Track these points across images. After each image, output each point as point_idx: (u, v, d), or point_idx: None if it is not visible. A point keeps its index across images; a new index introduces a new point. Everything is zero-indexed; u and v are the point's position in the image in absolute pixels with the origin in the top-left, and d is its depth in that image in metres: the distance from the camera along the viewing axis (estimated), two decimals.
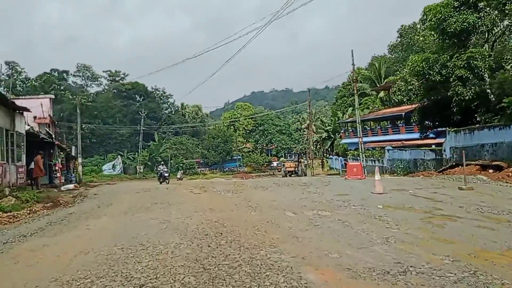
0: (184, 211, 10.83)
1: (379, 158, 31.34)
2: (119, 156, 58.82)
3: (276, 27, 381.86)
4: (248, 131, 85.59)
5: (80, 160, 31.24)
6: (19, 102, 35.82)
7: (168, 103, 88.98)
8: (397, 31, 57.35)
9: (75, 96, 68.78)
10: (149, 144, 65.04)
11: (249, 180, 33.64)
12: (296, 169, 48.93)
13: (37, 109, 37.98)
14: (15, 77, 70.02)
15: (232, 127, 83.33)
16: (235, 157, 72.05)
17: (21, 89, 64.46)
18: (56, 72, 74.71)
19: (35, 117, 37.79)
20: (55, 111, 62.58)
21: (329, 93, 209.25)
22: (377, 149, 32.98)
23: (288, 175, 48.66)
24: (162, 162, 33.12)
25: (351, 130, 42.61)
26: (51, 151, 25.23)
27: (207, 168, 67.99)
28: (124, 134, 73.53)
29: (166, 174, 30.42)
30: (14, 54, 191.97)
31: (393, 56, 61.31)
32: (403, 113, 35.37)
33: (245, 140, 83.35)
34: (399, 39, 57.35)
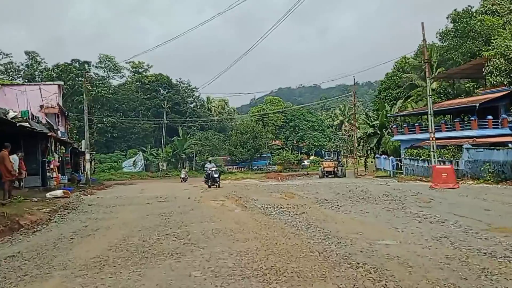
0: (218, 273, 4.99)
1: (453, 158, 24.85)
2: (140, 152, 53.89)
3: (304, 23, 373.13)
4: (277, 127, 79.54)
5: (88, 156, 26.04)
6: (20, 88, 31.08)
7: (193, 97, 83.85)
8: (447, 17, 50.35)
9: (95, 88, 64.66)
10: (173, 139, 60.03)
11: (287, 183, 27.82)
12: (336, 169, 42.77)
13: (46, 97, 33.18)
14: (34, 67, 66.20)
15: (260, 122, 77.43)
16: (264, 155, 66.21)
17: (39, 80, 60.42)
18: (77, 62, 70.53)
19: (41, 106, 33.01)
20: (74, 103, 58.36)
21: (360, 89, 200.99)
22: (449, 147, 26.43)
23: (326, 176, 42.61)
24: (210, 159, 26.39)
25: (405, 125, 36.10)
26: (47, 145, 19.96)
27: (234, 166, 62.46)
28: (147, 128, 68.80)
29: (216, 175, 22.84)
30: (44, 50, 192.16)
31: (444, 44, 54.18)
32: (477, 105, 28.69)
33: (274, 137, 77.35)
34: (451, 25, 50.30)
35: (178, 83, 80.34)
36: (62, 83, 35.06)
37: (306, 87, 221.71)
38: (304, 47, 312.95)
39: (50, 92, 33.22)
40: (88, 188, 23.79)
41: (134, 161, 52.03)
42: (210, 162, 25.39)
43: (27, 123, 18.10)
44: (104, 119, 62.93)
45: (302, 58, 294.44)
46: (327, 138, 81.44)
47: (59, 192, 15.25)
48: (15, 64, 68.17)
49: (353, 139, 46.90)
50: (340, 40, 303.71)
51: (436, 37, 56.07)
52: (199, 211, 11.13)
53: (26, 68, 65.37)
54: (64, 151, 24.16)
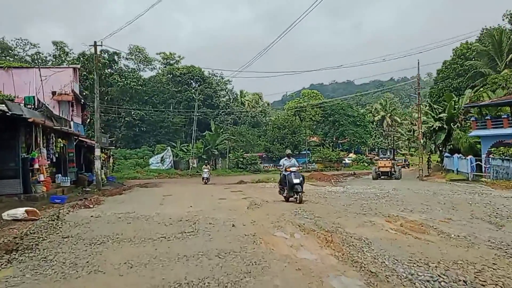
0: None
1: None
2: (168, 148, 48.16)
3: (339, 18, 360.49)
4: (316, 122, 72.51)
5: (98, 152, 20.10)
6: (24, 72, 25.69)
7: (226, 90, 77.94)
8: None
9: (124, 79, 59.68)
10: (204, 134, 54.21)
11: (347, 188, 21.15)
12: (392, 169, 35.64)
13: (58, 82, 27.79)
14: (62, 58, 61.77)
15: (297, 117, 70.59)
16: (303, 152, 59.39)
17: None
18: (106, 53, 65.89)
19: (53, 93, 27.62)
20: (100, 94, 53.30)
21: (395, 85, 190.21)
22: None
23: (380, 177, 35.56)
24: (289, 152, 15.65)
25: (488, 117, 28.56)
26: (35, 135, 14.07)
27: (271, 164, 55.94)
28: (178, 122, 63.34)
29: (297, 181, 13.24)
30: (80, 46, 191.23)
31: None
32: None
33: (311, 133, 70.39)
34: None
35: (210, 75, 74.63)
36: (78, 66, 29.50)
37: (339, 83, 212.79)
38: (338, 42, 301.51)
39: (63, 77, 27.83)
40: (96, 193, 17.93)
41: (162, 157, 46.36)
42: (288, 157, 14.80)
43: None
44: (132, 112, 57.85)
45: (335, 53, 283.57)
46: (369, 134, 73.74)
47: (20, 212, 9.19)
48: (41, 54, 64.35)
49: (415, 134, 39.65)
50: (375, 35, 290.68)
51: (503, 19, 47.85)
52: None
53: (54, 59, 61.12)
54: (65, 145, 18.41)
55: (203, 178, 28.54)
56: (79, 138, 20.43)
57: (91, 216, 10.49)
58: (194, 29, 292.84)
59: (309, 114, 72.31)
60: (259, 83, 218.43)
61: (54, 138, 15.95)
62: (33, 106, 17.27)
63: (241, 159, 51.54)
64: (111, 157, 28.74)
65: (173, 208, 12.06)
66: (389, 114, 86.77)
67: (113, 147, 30.85)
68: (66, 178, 17.82)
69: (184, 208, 11.90)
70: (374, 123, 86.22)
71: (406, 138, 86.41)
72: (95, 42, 22.04)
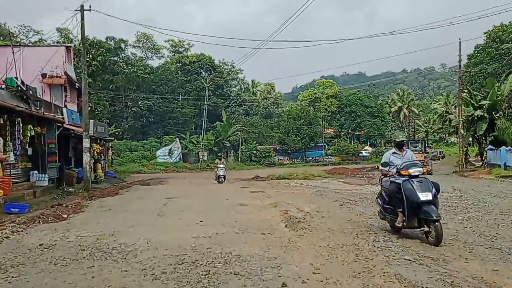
0: None
1: None
2: (177, 140, 43.97)
3: (351, 8, 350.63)
4: (331, 113, 67.98)
5: (86, 143, 15.96)
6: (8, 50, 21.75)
7: (238, 79, 73.61)
8: None
9: (130, 67, 55.61)
10: (215, 125, 50.09)
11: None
12: (425, 164, 31.21)
13: (50, 63, 23.76)
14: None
15: (311, 108, 66.05)
16: (320, 144, 54.99)
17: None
18: (113, 40, 61.83)
19: (43, 76, 23.63)
20: (105, 82, 49.43)
21: (408, 76, 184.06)
22: None
23: None
24: (402, 139, 7.97)
25: None
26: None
27: (286, 157, 51.70)
28: (188, 113, 59.28)
29: (427, 198, 6.29)
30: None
31: None
32: None
33: (326, 124, 65.86)
34: None
35: (221, 64, 70.30)
36: (72, 45, 25.41)
37: (350, 75, 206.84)
38: (350, 33, 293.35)
39: (56, 58, 23.77)
40: (81, 195, 13.86)
41: (170, 149, 42.21)
42: (400, 147, 7.79)
43: None
44: (139, 102, 53.88)
45: (347, 45, 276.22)
46: (386, 126, 68.99)
47: None
48: (45, 42, 60.54)
49: (453, 123, 35.22)
50: (387, 26, 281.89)
51: None
52: None
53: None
54: (43, 134, 14.32)
55: (218, 176, 21.21)
56: (63, 125, 16.32)
57: (40, 245, 6.38)
58: (206, 20, 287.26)
59: (324, 104, 67.86)
60: (270, 74, 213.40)
61: (20, 125, 11.87)
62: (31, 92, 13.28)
63: (254, 152, 47.35)
64: (110, 149, 24.69)
65: (174, 228, 7.89)
66: (406, 105, 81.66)
67: (113, 138, 26.83)
68: (43, 176, 13.78)
69: (191, 228, 7.74)
70: (391, 114, 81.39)
71: (424, 129, 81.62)
72: (81, 6, 17.85)
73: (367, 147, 64.95)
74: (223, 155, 29.27)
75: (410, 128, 78.63)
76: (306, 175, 23.05)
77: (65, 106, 23.49)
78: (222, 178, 21.14)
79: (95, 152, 20.06)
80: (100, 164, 23.23)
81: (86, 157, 15.37)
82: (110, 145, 24.73)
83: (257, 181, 22.76)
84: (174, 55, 69.41)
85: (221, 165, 21.55)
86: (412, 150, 28.18)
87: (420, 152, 31.85)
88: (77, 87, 24.56)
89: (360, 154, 58.65)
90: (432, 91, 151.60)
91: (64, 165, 17.80)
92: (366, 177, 24.98)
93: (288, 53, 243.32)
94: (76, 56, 50.19)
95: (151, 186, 19.52)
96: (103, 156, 24.59)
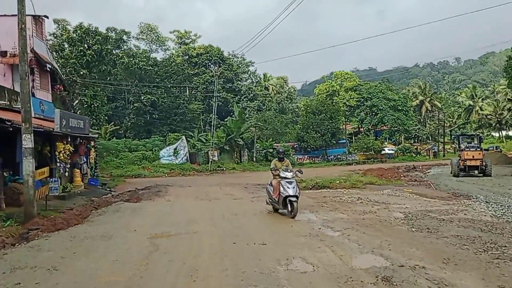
0: None
1: None
2: (183, 137, 37.52)
3: (362, 3, 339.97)
4: (350, 108, 61.47)
5: (28, 142, 9.83)
6: None
7: (249, 73, 67.41)
8: None
9: (131, 59, 49.62)
10: (226, 121, 43.95)
11: (479, 197, 10.67)
12: (483, 163, 24.82)
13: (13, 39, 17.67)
14: (64, 37, 51.86)
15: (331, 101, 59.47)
16: (342, 141, 48.57)
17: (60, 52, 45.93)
18: (114, 32, 55.88)
19: (3, 54, 17.76)
20: (101, 74, 43.42)
21: (421, 71, 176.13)
22: None
23: (462, 172, 24.91)
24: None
25: None
26: None
27: (305, 156, 45.39)
28: (196, 109, 53.19)
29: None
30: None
31: None
32: None
33: (344, 120, 59.32)
34: None
35: (231, 56, 64.09)
36: (46, 17, 19.27)
37: (360, 71, 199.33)
38: (361, 29, 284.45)
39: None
40: (8, 227, 7.74)
41: (175, 149, 35.90)
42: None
43: None
44: (142, 97, 47.85)
45: (358, 40, 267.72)
46: (412, 120, 62.18)
47: None
48: None
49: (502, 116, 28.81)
50: (398, 21, 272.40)
51: None
52: None
53: (53, 38, 51.37)
54: None
55: (285, 199, 9.54)
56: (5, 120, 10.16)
57: None
58: (216, 18, 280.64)
59: (342, 98, 61.33)
60: (280, 71, 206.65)
61: None
62: None
63: (271, 150, 41.08)
64: (92, 150, 18.54)
65: None
66: (428, 98, 74.86)
67: (96, 136, 20.55)
68: None
69: None
70: (412, 109, 74.69)
71: (448, 124, 74.77)
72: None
73: (387, 144, 58.32)
74: (285, 153, 13.35)
75: (434, 122, 71.95)
76: (353, 182, 16.69)
77: (33, 94, 17.45)
78: (293, 203, 9.42)
79: (61, 154, 13.93)
80: (79, 171, 17.16)
81: (27, 165, 9.24)
82: (91, 146, 18.55)
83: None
84: (180, 47, 63.32)
85: (288, 173, 9.83)
86: (467, 147, 21.07)
87: (478, 149, 25.33)
88: (49, 69, 18.44)
89: (383, 152, 52.13)
90: (447, 85, 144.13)
91: (10, 175, 11.74)
92: (431, 183, 18.58)
93: (298, 49, 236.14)
94: (70, 45, 44.53)
95: (141, 203, 13.32)
96: (85, 159, 18.49)
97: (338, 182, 16.72)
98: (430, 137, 71.70)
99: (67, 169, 16.28)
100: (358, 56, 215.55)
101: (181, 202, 13.63)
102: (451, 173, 25.77)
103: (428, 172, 30.48)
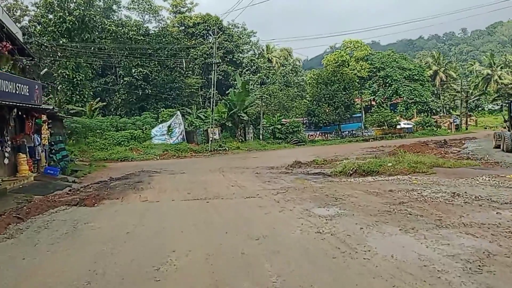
0: None
1: None
2: (177, 113, 31.92)
3: None
4: (362, 79, 55.82)
5: None
6: None
7: (251, 43, 61.44)
8: None
9: (120, 28, 43.89)
10: (227, 93, 38.51)
11: None
12: None
13: None
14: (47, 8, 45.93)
15: (338, 75, 53.81)
16: (357, 115, 43.25)
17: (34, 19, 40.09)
18: (102, 1, 49.83)
19: None
20: (85, 43, 37.64)
21: (426, 43, 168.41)
22: None
23: None
24: None
25: None
26: None
27: (317, 132, 40.18)
28: (193, 84, 47.75)
29: None
30: None
31: None
32: None
33: (356, 93, 53.71)
34: None
35: (231, 26, 58.09)
36: None
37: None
38: (364, 4, 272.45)
39: None
40: None
41: (169, 126, 30.54)
42: None
43: None
44: (133, 70, 42.36)
45: (360, 14, 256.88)
46: (429, 91, 56.55)
47: None
48: (21, 4, 48.89)
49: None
50: None
51: None
52: None
53: (36, 8, 45.43)
54: None
55: None
56: None
57: None
58: None
59: (353, 69, 55.60)
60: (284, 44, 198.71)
61: None
62: None
63: (279, 127, 35.90)
64: (44, 127, 13.38)
65: None
66: (443, 68, 69.04)
67: (52, 107, 15.28)
68: None
69: None
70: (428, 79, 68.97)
71: (465, 96, 69.20)
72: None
73: (400, 118, 52.78)
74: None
75: (449, 93, 66.47)
76: (411, 164, 11.57)
77: None
78: None
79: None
80: (25, 156, 12.09)
81: None
82: (43, 119, 13.38)
83: (312, 176, 11.58)
84: (175, 16, 57.21)
85: None
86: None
87: None
88: (5, 33, 13.06)
89: (399, 126, 46.77)
90: (454, 57, 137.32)
91: None
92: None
93: (299, 24, 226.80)
94: (49, 12, 38.78)
95: (99, 208, 8.25)
96: (39, 141, 13.38)
97: (390, 164, 11.60)
98: (443, 109, 66.48)
99: (6, 153, 11.25)
100: (361, 30, 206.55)
101: (162, 205, 8.57)
102: (497, 147, 20.72)
103: (466, 148, 25.40)
